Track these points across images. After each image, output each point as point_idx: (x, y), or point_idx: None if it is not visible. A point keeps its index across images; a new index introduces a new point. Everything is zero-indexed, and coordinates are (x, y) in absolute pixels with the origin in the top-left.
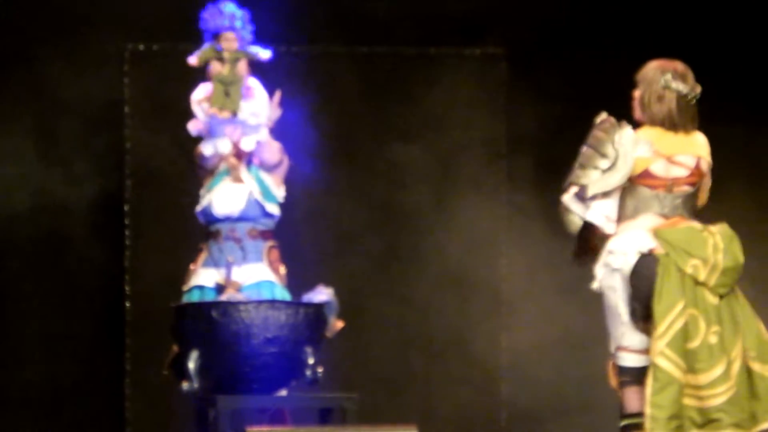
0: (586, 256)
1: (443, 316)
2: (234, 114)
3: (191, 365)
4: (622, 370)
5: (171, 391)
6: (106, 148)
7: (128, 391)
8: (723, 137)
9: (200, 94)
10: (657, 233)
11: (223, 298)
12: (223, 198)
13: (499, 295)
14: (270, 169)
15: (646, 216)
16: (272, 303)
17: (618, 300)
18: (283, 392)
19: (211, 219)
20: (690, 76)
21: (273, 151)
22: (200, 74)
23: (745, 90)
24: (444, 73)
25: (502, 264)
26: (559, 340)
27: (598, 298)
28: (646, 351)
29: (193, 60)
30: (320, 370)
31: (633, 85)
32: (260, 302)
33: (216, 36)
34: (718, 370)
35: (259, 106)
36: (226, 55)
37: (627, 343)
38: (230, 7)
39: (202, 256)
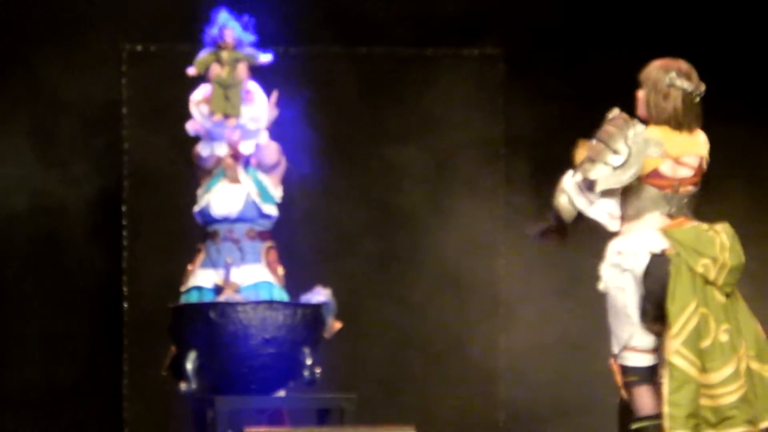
0: (548, 237)
1: (441, 316)
2: (237, 120)
3: (189, 366)
4: (629, 371)
5: (169, 391)
6: (104, 149)
7: (126, 391)
8: (722, 137)
9: (199, 95)
10: (667, 233)
11: (221, 299)
12: (221, 199)
13: (497, 295)
14: (268, 170)
15: (652, 216)
16: (270, 304)
17: (628, 300)
18: (281, 393)
19: (208, 220)
20: (694, 74)
21: (271, 152)
22: (195, 74)
23: (744, 90)
24: (442, 74)
25: (500, 265)
26: (557, 340)
27: (596, 298)
28: (653, 350)
29: (192, 71)
30: (318, 370)
31: (632, 85)
32: (258, 303)
33: (216, 43)
34: (729, 369)
35: (259, 110)
36: (225, 57)
37: (635, 344)
38: (229, 17)
39: (200, 257)
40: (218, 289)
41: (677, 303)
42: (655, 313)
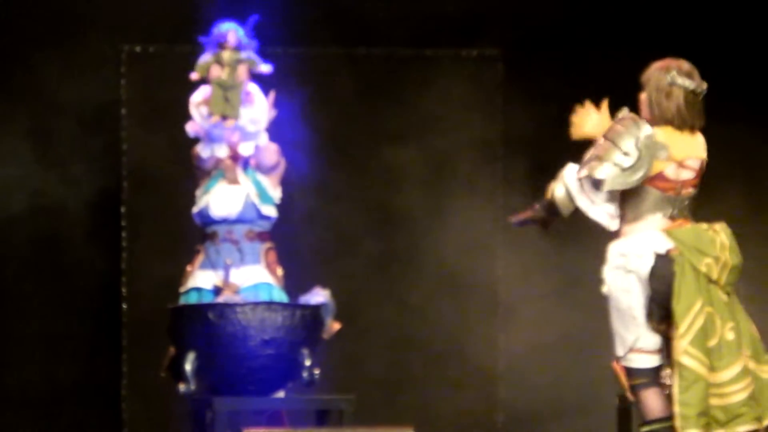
0: (527, 222)
1: (440, 317)
2: (236, 121)
3: (188, 367)
4: (636, 373)
5: (168, 392)
6: (103, 150)
7: (125, 392)
8: (721, 137)
9: (198, 97)
10: (669, 234)
11: (220, 300)
12: (220, 200)
13: (496, 297)
14: (267, 171)
15: (654, 217)
16: (269, 305)
17: (633, 302)
18: (280, 394)
19: (207, 221)
20: (695, 72)
21: (270, 153)
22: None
23: (741, 90)
24: (440, 75)
25: (498, 265)
26: (555, 342)
27: (595, 299)
28: (659, 351)
29: (194, 75)
30: (317, 371)
31: (630, 85)
32: (257, 304)
33: (218, 44)
34: (737, 367)
35: (259, 112)
36: (226, 58)
37: (642, 345)
38: (233, 24)
39: (199, 258)
40: (217, 290)
41: (683, 302)
42: (661, 313)
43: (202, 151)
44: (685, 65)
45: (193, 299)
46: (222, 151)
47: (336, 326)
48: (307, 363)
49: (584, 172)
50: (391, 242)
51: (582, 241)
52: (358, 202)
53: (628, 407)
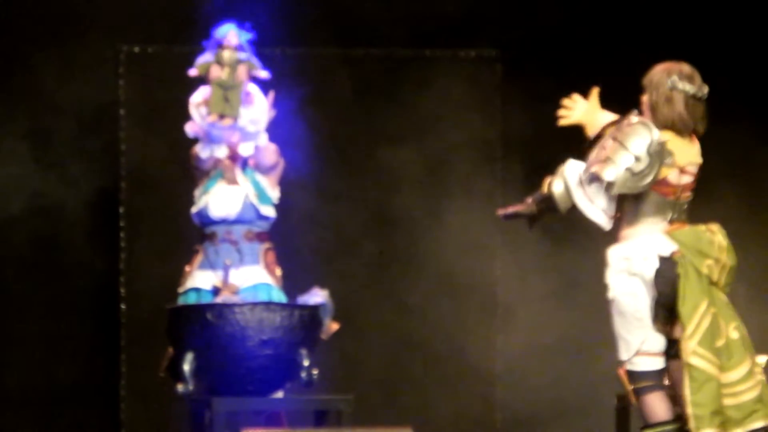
0: (515, 216)
1: (438, 318)
2: (234, 121)
3: (186, 367)
4: (641, 376)
5: (166, 393)
6: (102, 150)
7: (124, 392)
8: (718, 137)
9: (198, 97)
10: (672, 236)
11: (219, 300)
12: (220, 200)
13: (494, 298)
14: (266, 171)
15: (654, 221)
16: (267, 305)
17: (639, 305)
18: (279, 394)
19: (206, 221)
20: (696, 76)
21: (270, 153)
22: (196, 76)
23: (740, 90)
24: (438, 75)
25: (497, 266)
26: (553, 343)
27: (594, 300)
28: (663, 353)
29: (193, 72)
30: (315, 372)
31: (629, 86)
32: (255, 304)
33: (218, 44)
34: (745, 366)
35: (259, 112)
36: (226, 58)
37: (647, 348)
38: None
39: (198, 258)
40: (216, 291)
41: (688, 304)
42: (666, 315)
43: (201, 151)
44: (686, 68)
45: (192, 300)
46: (221, 152)
47: (334, 326)
48: (306, 363)
49: (594, 171)
50: (389, 243)
51: (580, 242)
52: (356, 203)
53: (627, 408)
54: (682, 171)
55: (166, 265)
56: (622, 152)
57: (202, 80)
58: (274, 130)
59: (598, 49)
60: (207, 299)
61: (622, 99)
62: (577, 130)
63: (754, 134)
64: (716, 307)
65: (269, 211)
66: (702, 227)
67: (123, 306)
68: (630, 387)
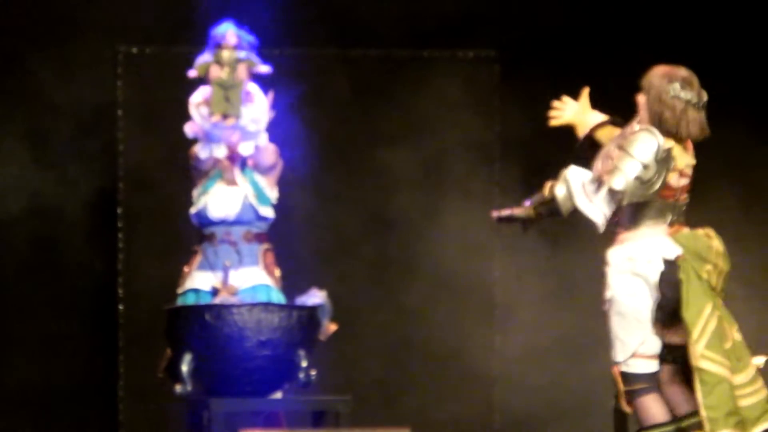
0: (509, 219)
1: (436, 320)
2: (236, 120)
3: (184, 368)
4: (636, 378)
5: (165, 393)
6: (99, 151)
7: (122, 393)
8: (715, 137)
9: (198, 97)
10: (675, 239)
11: (216, 300)
12: (219, 201)
13: (492, 299)
14: (265, 171)
15: (655, 223)
16: (265, 306)
17: (640, 305)
18: (277, 395)
19: (205, 222)
20: (695, 80)
21: (269, 154)
22: (195, 77)
23: (738, 90)
24: (436, 76)
25: (495, 268)
26: (551, 345)
27: (592, 302)
28: (659, 356)
29: (192, 73)
30: (313, 372)
31: (627, 87)
32: (253, 305)
33: (217, 44)
34: (752, 368)
35: (259, 111)
36: (225, 57)
37: (645, 349)
38: (231, 24)
39: (197, 259)
40: (216, 292)
41: (692, 308)
42: (666, 318)
43: (201, 151)
44: (685, 73)
45: (191, 300)
46: (221, 152)
47: (333, 327)
48: (304, 364)
49: (603, 185)
50: (387, 244)
51: (578, 244)
52: (353, 203)
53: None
54: (681, 173)
55: (164, 265)
56: (628, 160)
57: (202, 81)
58: (271, 130)
59: (597, 50)
60: (206, 300)
61: (621, 99)
62: (573, 132)
63: (751, 135)
64: (718, 310)
65: (268, 212)
66: (700, 231)
67: (121, 306)
68: (624, 388)
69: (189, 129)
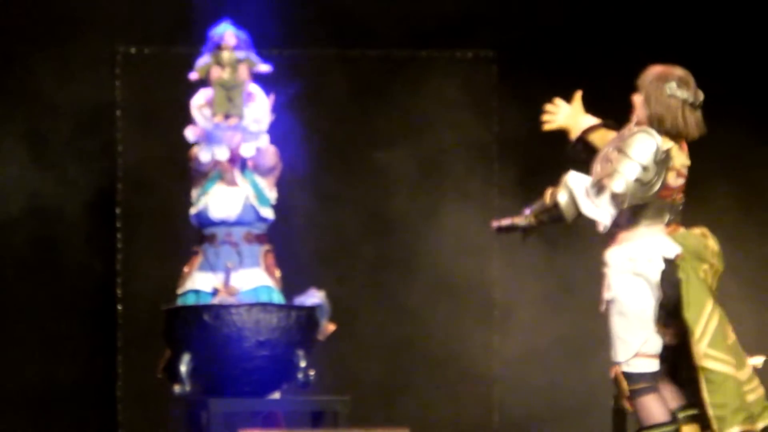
0: (509, 229)
1: (435, 320)
2: (239, 120)
3: (183, 368)
4: (638, 377)
5: (163, 394)
6: (99, 151)
7: (120, 393)
8: (713, 137)
9: (200, 99)
10: (675, 239)
11: (215, 301)
12: (219, 202)
13: (491, 299)
14: (265, 172)
15: (654, 223)
16: (264, 306)
17: (643, 305)
18: (276, 395)
19: (206, 223)
20: (691, 80)
21: (269, 155)
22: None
23: (736, 90)
24: (435, 76)
25: (493, 268)
26: (550, 345)
27: (591, 302)
28: (659, 355)
29: (194, 75)
30: (312, 373)
31: (625, 87)
32: (252, 305)
33: (216, 45)
34: (749, 366)
35: (261, 112)
36: (225, 58)
37: (647, 349)
38: (230, 24)
39: (198, 260)
40: (216, 293)
41: (693, 308)
42: (667, 317)
43: (202, 154)
44: (681, 73)
45: (191, 301)
46: (222, 154)
47: (331, 327)
48: (303, 364)
49: (604, 189)
50: (386, 244)
51: (577, 244)
52: (351, 204)
53: (624, 409)
54: (677, 173)
55: (162, 265)
56: (628, 163)
57: (202, 82)
58: (269, 131)
59: (594, 51)
60: (206, 301)
61: (619, 100)
62: (567, 135)
63: (749, 134)
64: (719, 308)
65: (268, 213)
66: (697, 231)
67: (120, 307)
68: (625, 389)
69: (190, 133)
